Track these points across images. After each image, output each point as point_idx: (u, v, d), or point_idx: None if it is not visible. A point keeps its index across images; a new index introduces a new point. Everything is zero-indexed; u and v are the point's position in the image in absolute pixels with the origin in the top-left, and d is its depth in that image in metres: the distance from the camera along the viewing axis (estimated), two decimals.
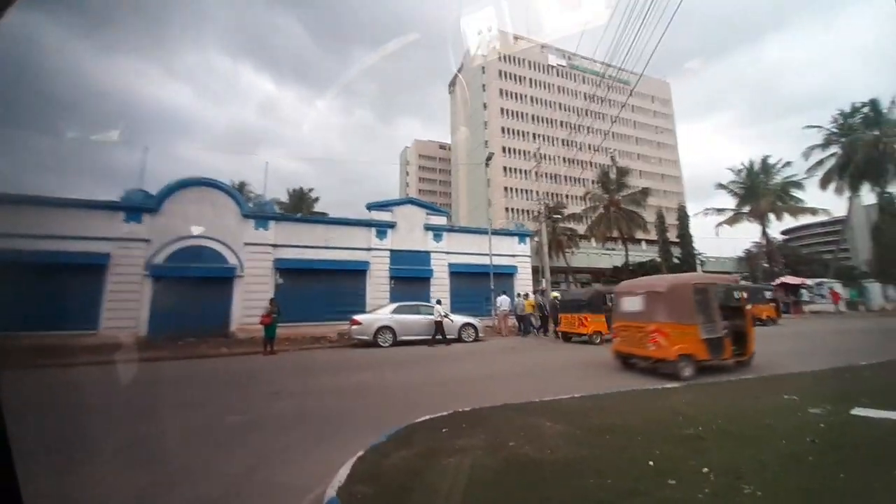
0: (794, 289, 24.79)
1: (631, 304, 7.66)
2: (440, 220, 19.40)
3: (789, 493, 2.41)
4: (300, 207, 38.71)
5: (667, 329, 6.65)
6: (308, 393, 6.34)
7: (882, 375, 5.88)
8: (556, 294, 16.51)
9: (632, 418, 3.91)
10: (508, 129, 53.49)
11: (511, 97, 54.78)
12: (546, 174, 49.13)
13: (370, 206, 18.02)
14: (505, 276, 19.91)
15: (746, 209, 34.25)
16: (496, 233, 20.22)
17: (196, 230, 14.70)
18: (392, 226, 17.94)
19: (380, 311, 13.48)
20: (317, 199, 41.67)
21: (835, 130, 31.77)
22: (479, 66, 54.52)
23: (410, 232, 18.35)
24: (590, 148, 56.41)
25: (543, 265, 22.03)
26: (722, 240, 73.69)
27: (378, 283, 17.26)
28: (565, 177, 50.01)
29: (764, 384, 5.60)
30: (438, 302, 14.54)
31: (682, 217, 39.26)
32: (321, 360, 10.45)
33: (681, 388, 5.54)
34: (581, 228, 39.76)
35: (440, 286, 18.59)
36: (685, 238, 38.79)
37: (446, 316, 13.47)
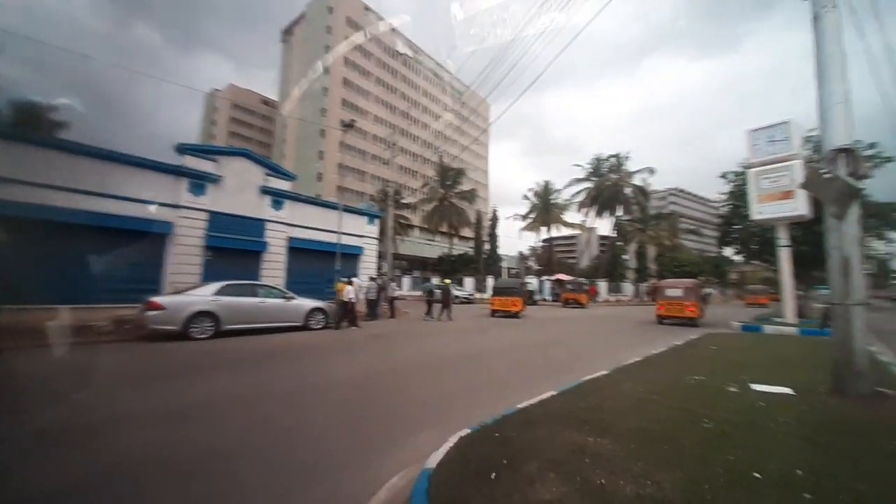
0: (563, 283, 32.54)
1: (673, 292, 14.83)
2: (283, 185, 15.94)
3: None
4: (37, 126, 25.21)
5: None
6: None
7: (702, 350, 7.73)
8: (448, 281, 17.68)
9: None
10: (350, 103, 50.09)
11: (357, 70, 51.46)
12: (385, 160, 48.54)
13: (183, 149, 12.98)
14: (351, 257, 18.16)
15: (531, 218, 43.12)
16: (348, 210, 18.14)
17: None
18: (216, 180, 13.52)
19: (196, 292, 9.81)
20: (62, 124, 28.21)
21: (590, 170, 43.35)
22: (326, 26, 48.89)
23: (240, 192, 14.29)
24: (424, 143, 59.17)
25: (387, 250, 21.36)
26: (520, 240, 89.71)
27: (185, 254, 12.71)
28: (402, 166, 50.67)
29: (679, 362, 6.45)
30: (350, 282, 12.65)
31: (494, 219, 45.75)
32: (109, 361, 6.62)
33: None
34: (413, 218, 41.19)
35: (274, 263, 15.30)
36: (493, 237, 45.48)
37: (350, 300, 12.14)
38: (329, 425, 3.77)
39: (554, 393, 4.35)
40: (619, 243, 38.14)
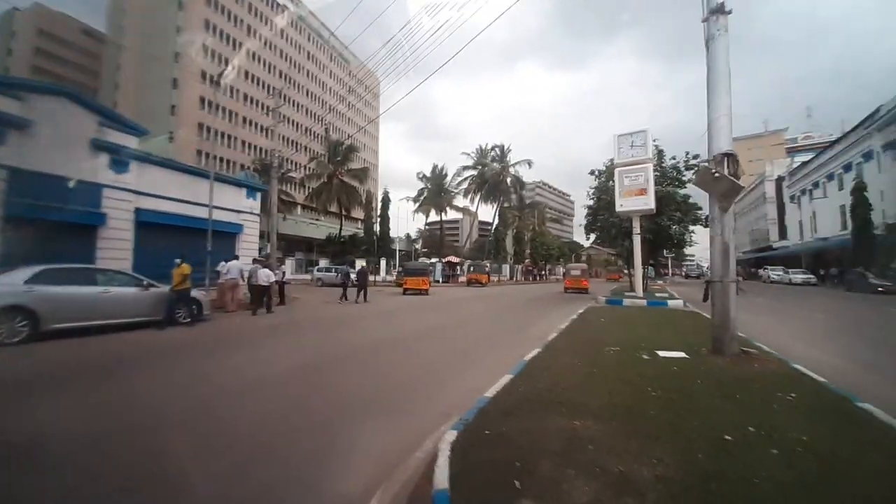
0: (453, 265, 34.23)
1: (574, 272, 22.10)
2: (127, 140, 12.34)
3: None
4: None
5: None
6: None
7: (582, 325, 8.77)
8: (363, 262, 20.52)
9: None
10: (213, 52, 41.99)
11: (224, 14, 43.19)
12: (262, 126, 42.44)
13: None
14: (227, 236, 15.41)
15: (422, 200, 43.79)
16: (222, 180, 15.20)
17: None
18: (22, 125, 9.62)
19: None
20: None
21: (476, 158, 46.00)
22: None
23: (62, 146, 10.54)
24: (309, 114, 53.74)
25: (271, 228, 18.85)
26: (408, 223, 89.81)
27: None
28: (284, 137, 45.09)
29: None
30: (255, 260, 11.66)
31: (385, 200, 44.71)
32: None
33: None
34: (297, 195, 37.31)
35: (116, 241, 11.94)
36: (385, 219, 44.62)
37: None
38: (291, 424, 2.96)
39: (511, 376, 4.30)
40: (499, 228, 41.61)
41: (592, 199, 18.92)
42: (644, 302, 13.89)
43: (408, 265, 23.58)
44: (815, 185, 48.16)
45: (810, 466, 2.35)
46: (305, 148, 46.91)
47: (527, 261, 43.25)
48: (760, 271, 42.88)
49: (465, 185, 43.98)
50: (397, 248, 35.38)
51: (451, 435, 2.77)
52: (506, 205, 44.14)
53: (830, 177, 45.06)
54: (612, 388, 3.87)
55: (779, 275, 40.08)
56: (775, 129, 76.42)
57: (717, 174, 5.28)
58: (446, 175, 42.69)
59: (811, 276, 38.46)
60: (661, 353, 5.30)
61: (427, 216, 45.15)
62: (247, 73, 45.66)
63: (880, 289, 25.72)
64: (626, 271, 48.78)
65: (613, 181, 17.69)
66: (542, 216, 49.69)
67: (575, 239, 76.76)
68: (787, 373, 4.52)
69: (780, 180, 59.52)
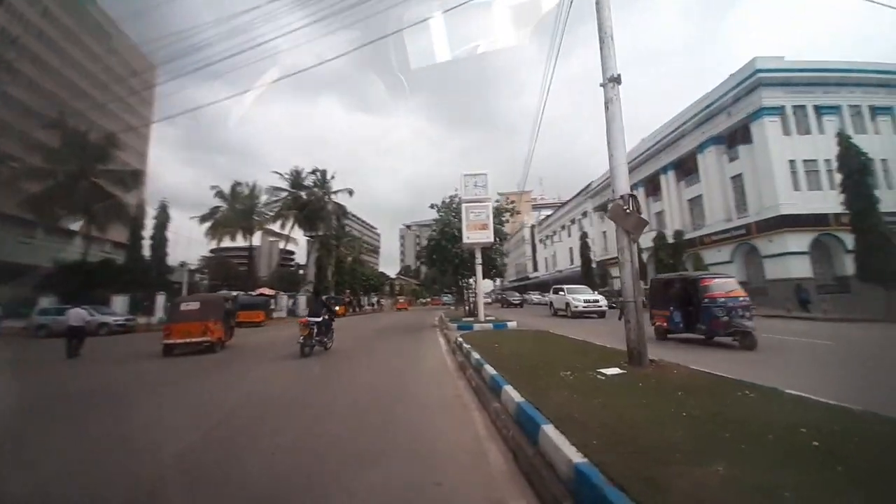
0: (269, 298, 29.28)
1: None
2: None
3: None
4: None
5: None
6: None
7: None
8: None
9: None
10: None
11: None
12: None
13: None
14: None
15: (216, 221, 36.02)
16: None
17: None
18: None
19: None
20: None
21: (291, 180, 41.94)
22: None
23: None
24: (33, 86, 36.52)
25: None
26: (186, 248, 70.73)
27: None
28: None
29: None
30: None
31: (162, 217, 34.31)
32: None
33: None
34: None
35: None
36: (161, 241, 34.01)
37: None
38: None
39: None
40: (321, 257, 38.63)
41: (434, 230, 20.03)
42: (490, 326, 15.28)
43: (180, 301, 12.76)
44: (554, 232, 65.99)
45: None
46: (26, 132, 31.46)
47: (347, 291, 41.43)
48: (525, 296, 54.57)
49: (277, 208, 39.07)
50: (186, 280, 27.37)
51: None
52: (322, 232, 41.55)
53: (563, 227, 62.53)
54: (620, 412, 3.77)
55: (538, 297, 52.05)
56: (526, 190, 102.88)
57: (627, 210, 6.30)
58: (258, 196, 36.86)
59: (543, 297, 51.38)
60: (606, 371, 5.69)
61: (219, 241, 37.16)
62: None
63: None
64: (444, 297, 53.63)
65: (452, 216, 19.26)
66: (360, 246, 49.22)
67: (381, 270, 79.87)
68: (703, 375, 5.51)
69: (532, 227, 78.86)
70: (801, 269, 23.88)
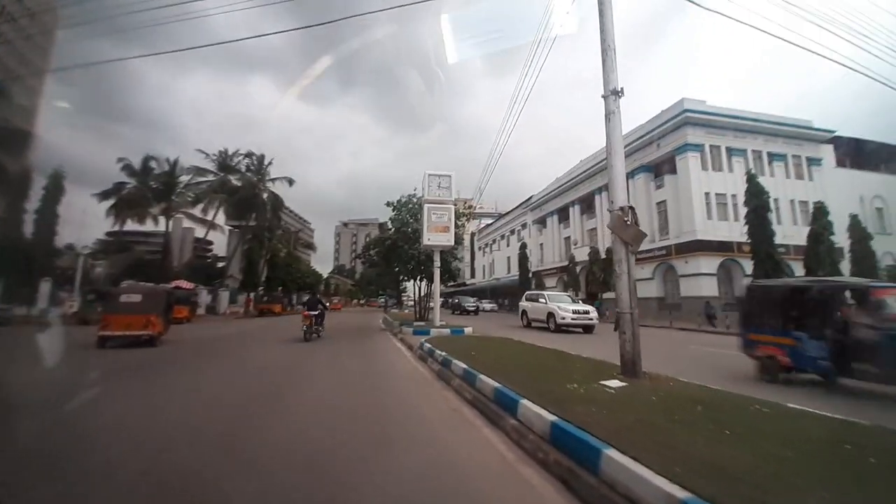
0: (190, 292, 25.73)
1: None
2: None
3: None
4: None
5: None
6: None
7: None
8: None
9: None
10: None
11: None
12: None
13: None
14: None
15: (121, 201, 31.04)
16: None
17: None
18: None
19: None
20: None
21: (218, 163, 37.65)
22: None
23: None
24: None
25: None
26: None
27: None
28: None
29: None
30: None
31: (55, 189, 28.33)
32: None
33: None
34: None
35: None
36: (50, 217, 28.05)
37: None
38: None
39: None
40: (254, 249, 35.09)
41: (391, 230, 19.14)
42: (448, 331, 14.87)
43: (121, 293, 11.66)
44: (494, 241, 67.94)
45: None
46: None
47: (280, 289, 38.12)
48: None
49: (200, 191, 34.80)
50: (80, 266, 22.87)
51: None
52: (255, 223, 37.93)
53: (503, 237, 64.66)
54: (670, 431, 3.61)
55: (490, 305, 52.74)
56: (467, 198, 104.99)
57: (628, 222, 6.34)
58: (179, 176, 32.36)
59: (495, 304, 52.67)
60: (606, 383, 5.57)
61: (122, 223, 31.87)
62: None
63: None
64: (380, 300, 51.75)
65: (409, 217, 18.66)
66: (296, 241, 45.86)
67: (314, 267, 75.17)
68: (697, 388, 5.62)
69: (472, 235, 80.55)
70: (709, 288, 27.20)
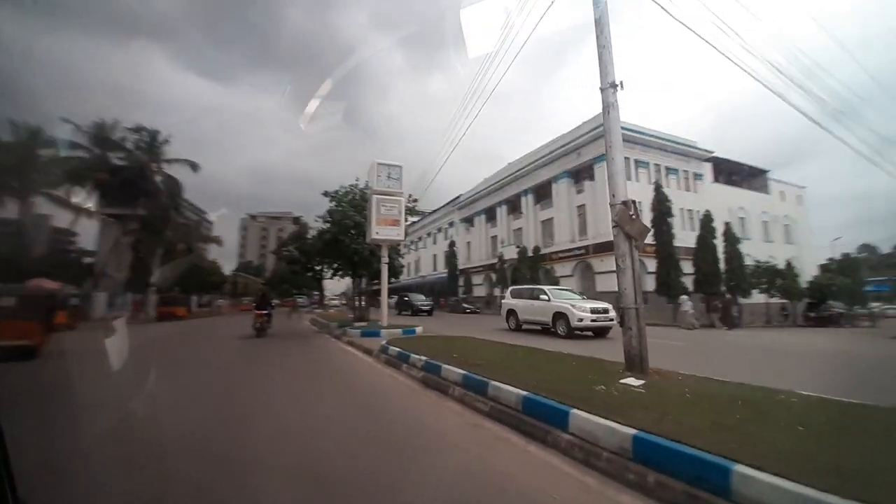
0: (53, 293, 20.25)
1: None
2: None
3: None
4: None
5: None
6: None
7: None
8: None
9: None
10: None
11: None
12: None
13: None
14: None
15: None
16: None
17: None
18: None
19: None
20: None
21: (92, 135, 30.91)
22: None
23: None
24: None
25: None
26: None
27: None
28: None
29: None
30: None
31: None
32: None
33: None
34: None
35: None
36: None
37: None
38: None
39: None
40: (147, 243, 29.17)
41: (328, 223, 17.29)
42: (400, 331, 13.88)
43: None
44: (420, 238, 67.49)
45: None
46: None
47: (177, 289, 32.45)
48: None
49: (67, 168, 27.96)
50: None
51: None
52: (144, 211, 31.79)
53: (430, 234, 64.56)
54: (758, 436, 3.43)
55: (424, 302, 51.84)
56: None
57: (633, 216, 6.25)
58: (36, 147, 25.36)
59: (432, 302, 52.27)
60: (626, 382, 5.34)
61: None
62: None
63: (468, 310, 38.63)
64: (301, 300, 47.09)
65: (351, 210, 17.25)
66: (198, 234, 39.70)
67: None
68: (705, 380, 5.70)
69: None
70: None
